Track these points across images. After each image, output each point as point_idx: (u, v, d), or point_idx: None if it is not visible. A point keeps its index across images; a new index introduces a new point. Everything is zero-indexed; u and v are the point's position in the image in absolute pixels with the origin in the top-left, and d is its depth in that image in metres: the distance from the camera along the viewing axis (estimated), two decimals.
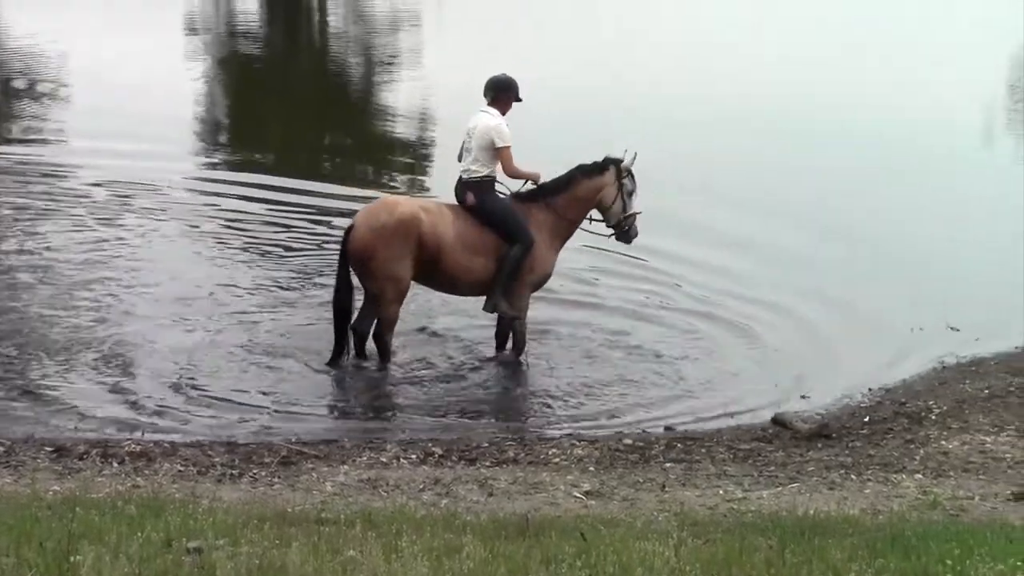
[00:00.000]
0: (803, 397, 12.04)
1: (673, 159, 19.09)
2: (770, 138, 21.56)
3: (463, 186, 12.53)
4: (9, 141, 22.33)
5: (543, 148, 15.01)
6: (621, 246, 13.62)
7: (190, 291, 14.32)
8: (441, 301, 13.67)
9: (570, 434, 10.95)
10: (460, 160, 12.58)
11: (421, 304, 13.68)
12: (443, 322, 13.59)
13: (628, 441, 10.71)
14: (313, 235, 16.53)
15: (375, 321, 12.48)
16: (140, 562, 5.88)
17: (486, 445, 10.57)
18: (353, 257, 12.19)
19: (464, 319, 13.54)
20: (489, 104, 12.55)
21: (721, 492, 9.39)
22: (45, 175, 19.42)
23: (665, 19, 34.26)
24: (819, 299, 14.50)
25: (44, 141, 22.26)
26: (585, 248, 14.55)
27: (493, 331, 12.96)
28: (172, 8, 36.38)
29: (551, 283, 13.23)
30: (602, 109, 22.82)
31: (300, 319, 13.64)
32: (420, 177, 20.25)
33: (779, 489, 9.49)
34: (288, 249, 16.04)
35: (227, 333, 13.19)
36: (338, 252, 12.43)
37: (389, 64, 30.05)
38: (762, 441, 10.79)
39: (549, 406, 11.92)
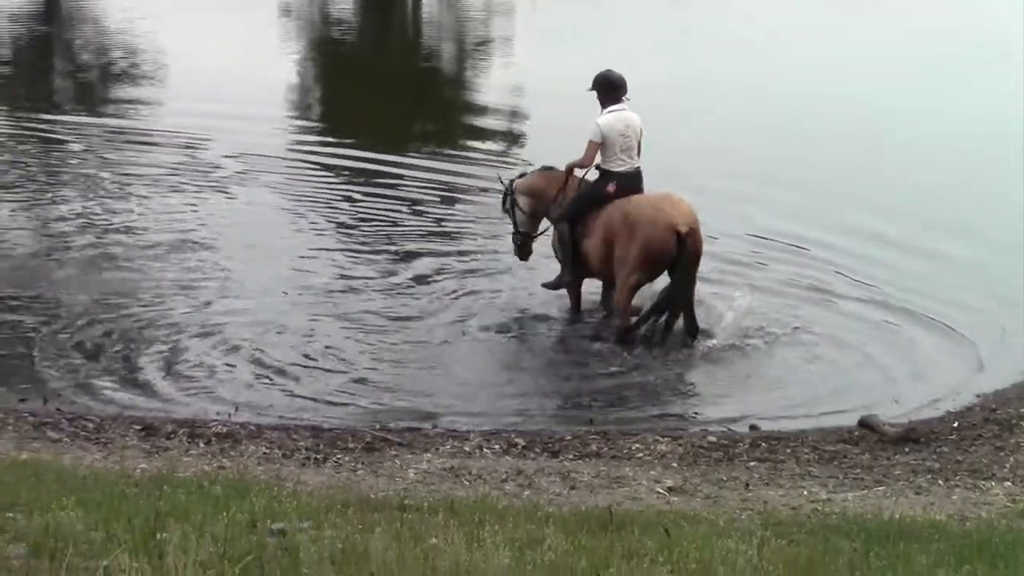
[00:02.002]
0: (894, 401, 11.89)
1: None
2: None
3: (638, 178, 13.08)
4: (113, 114, 22.78)
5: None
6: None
7: (291, 269, 14.48)
8: (529, 293, 13.75)
9: (654, 429, 10.91)
10: (620, 156, 12.97)
11: (511, 297, 13.74)
12: (538, 312, 13.65)
13: (712, 439, 10.65)
14: (421, 216, 16.63)
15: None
16: (225, 542, 5.92)
17: (569, 438, 10.56)
18: (698, 255, 12.67)
19: (555, 310, 13.59)
20: (621, 100, 13.01)
21: (805, 493, 9.31)
22: (149, 144, 20.19)
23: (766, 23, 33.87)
24: (919, 298, 14.29)
25: (145, 112, 22.69)
26: None
27: (587, 324, 13.21)
28: None
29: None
30: (701, 107, 22.72)
31: (401, 302, 13.74)
32: (511, 154, 20.20)
33: (864, 492, 9.39)
34: (387, 228, 16.13)
35: (325, 314, 13.37)
36: (661, 258, 12.59)
37: (481, 50, 30.08)
38: (848, 443, 10.67)
39: (632, 399, 11.90)
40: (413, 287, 14.10)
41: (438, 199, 17.65)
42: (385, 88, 26.25)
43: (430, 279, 14.29)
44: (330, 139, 20.93)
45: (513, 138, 21.72)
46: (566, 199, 13.37)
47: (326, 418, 10.98)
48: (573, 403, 11.85)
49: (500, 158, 19.85)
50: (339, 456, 9.88)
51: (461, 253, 15.13)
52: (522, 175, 14.28)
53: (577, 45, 28.28)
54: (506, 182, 14.14)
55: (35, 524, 6.25)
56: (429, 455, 9.96)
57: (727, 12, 35.00)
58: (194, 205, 16.90)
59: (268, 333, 12.75)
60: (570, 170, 13.38)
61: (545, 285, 13.68)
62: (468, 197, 17.94)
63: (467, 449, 10.18)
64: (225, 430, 10.31)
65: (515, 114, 23.31)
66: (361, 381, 11.87)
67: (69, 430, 10.22)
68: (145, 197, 17.21)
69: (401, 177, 18.44)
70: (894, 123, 21.78)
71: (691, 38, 30.47)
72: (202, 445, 9.98)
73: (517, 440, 10.43)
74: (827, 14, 34.07)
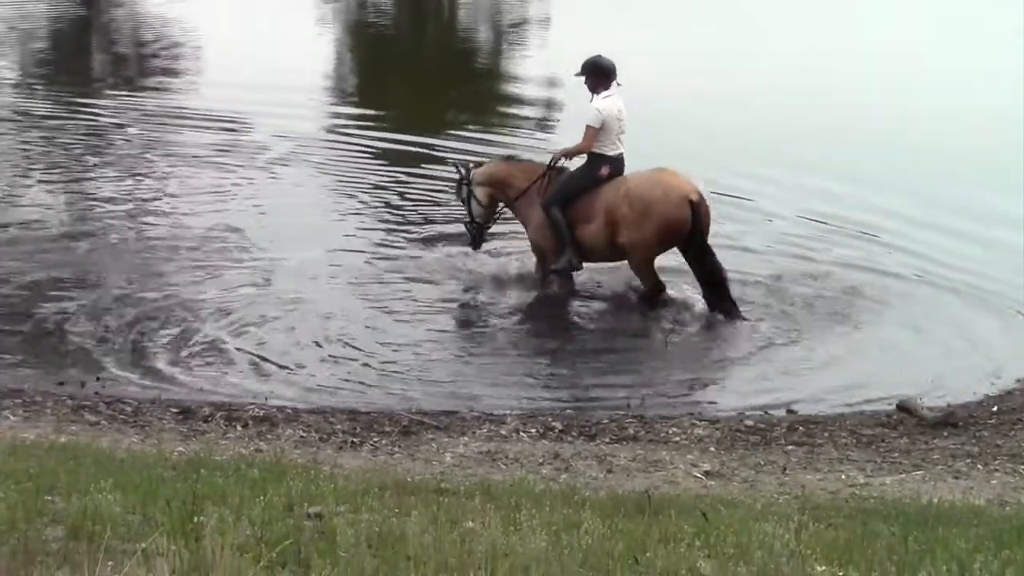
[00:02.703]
0: (933, 385, 11.79)
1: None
2: None
3: (623, 162, 13.28)
4: (153, 94, 23.03)
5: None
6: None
7: (328, 251, 14.51)
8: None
9: (691, 413, 10.88)
10: (615, 141, 13.17)
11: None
12: (576, 296, 13.66)
13: (749, 422, 10.61)
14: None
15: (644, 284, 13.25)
16: (262, 525, 5.94)
17: (606, 422, 10.54)
18: (709, 221, 12.93)
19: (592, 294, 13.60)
20: (611, 86, 13.14)
21: (843, 477, 9.27)
22: (189, 123, 20.34)
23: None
24: (964, 279, 14.22)
25: (185, 92, 22.93)
26: None
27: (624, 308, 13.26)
28: None
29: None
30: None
31: (438, 286, 13.76)
32: (549, 133, 20.15)
33: (902, 476, 9.34)
34: (428, 208, 16.18)
35: (362, 297, 13.45)
36: (681, 229, 12.78)
37: (515, 34, 30.02)
38: (886, 427, 10.62)
39: (668, 383, 11.88)
40: (450, 270, 14.09)
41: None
42: (422, 70, 26.27)
43: (466, 262, 14.25)
44: (368, 121, 20.89)
45: (551, 118, 21.65)
46: (552, 186, 13.38)
47: (363, 401, 10.99)
48: (609, 386, 11.80)
49: (538, 139, 19.79)
50: (376, 440, 9.89)
51: (497, 236, 15.08)
52: (478, 164, 14.33)
53: (615, 27, 28.22)
54: (462, 171, 14.13)
55: (73, 507, 6.28)
56: (466, 439, 9.96)
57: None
58: (237, 186, 16.96)
59: (305, 316, 12.78)
60: (559, 157, 13.55)
61: (552, 272, 13.53)
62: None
63: (504, 433, 10.17)
64: (262, 413, 10.34)
65: (551, 95, 23.22)
66: (398, 365, 11.88)
67: (107, 413, 10.26)
68: (187, 178, 17.29)
69: (440, 160, 18.44)
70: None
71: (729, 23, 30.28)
72: (239, 428, 10.01)
73: (554, 424, 10.41)
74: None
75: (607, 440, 10.09)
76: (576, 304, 13.42)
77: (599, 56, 13.40)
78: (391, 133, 20.01)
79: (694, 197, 12.72)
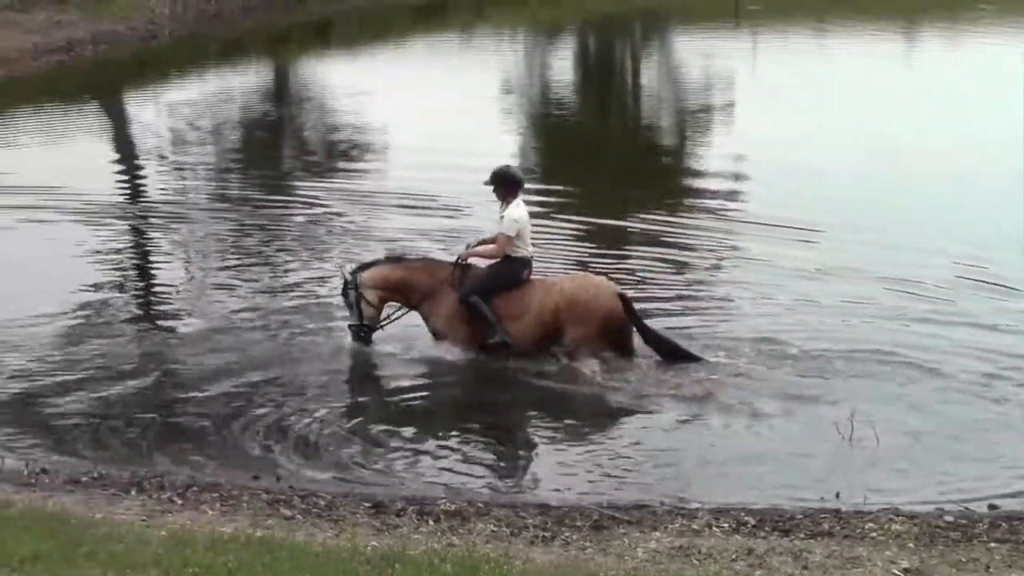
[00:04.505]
0: None
1: None
2: None
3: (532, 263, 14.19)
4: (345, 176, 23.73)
5: None
6: None
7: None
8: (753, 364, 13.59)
9: (887, 508, 10.60)
10: (527, 244, 14.02)
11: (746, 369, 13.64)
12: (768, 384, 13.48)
13: (949, 518, 10.29)
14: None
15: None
16: None
17: (800, 516, 10.33)
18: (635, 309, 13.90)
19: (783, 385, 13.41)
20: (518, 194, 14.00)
21: None
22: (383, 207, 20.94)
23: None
24: None
25: (378, 177, 23.73)
26: None
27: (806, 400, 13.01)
28: (486, 70, 37.15)
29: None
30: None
31: (625, 376, 13.69)
32: (727, 225, 20.06)
33: None
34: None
35: (555, 385, 13.51)
36: (619, 323, 13.74)
37: (699, 123, 29.99)
38: None
39: (860, 475, 11.59)
40: (641, 361, 14.01)
41: (672, 269, 17.47)
42: (609, 156, 26.39)
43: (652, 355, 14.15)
44: (558, 203, 20.96)
45: (733, 202, 21.51)
46: (467, 280, 13.99)
47: (553, 495, 10.98)
48: (801, 478, 11.56)
49: (724, 223, 19.72)
50: (567, 534, 9.84)
51: (696, 325, 15.01)
52: (363, 267, 14.48)
53: (798, 113, 28.12)
54: (347, 275, 14.31)
55: None
56: (658, 533, 9.85)
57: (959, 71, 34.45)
58: None
59: (497, 410, 12.86)
60: (467, 257, 14.19)
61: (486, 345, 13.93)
62: (703, 261, 17.94)
63: (695, 527, 10.05)
64: (454, 507, 10.37)
65: (737, 179, 23.11)
66: (588, 456, 11.86)
67: (301, 507, 10.40)
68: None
69: (639, 240, 18.48)
70: None
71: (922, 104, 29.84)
72: (431, 523, 10.05)
73: (747, 518, 10.25)
74: None
75: (802, 535, 9.89)
76: (762, 402, 13.15)
77: (508, 167, 14.35)
78: (582, 216, 20.02)
79: (619, 291, 13.89)
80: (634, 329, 13.85)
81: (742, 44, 39.84)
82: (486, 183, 13.98)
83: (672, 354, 13.80)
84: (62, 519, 9.33)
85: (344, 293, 14.41)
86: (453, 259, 14.30)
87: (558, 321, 13.72)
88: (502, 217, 13.91)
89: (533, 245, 14.29)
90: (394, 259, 14.72)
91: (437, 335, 14.15)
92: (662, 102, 33.75)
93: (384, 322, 14.44)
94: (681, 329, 14.60)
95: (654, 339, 13.85)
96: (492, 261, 14.05)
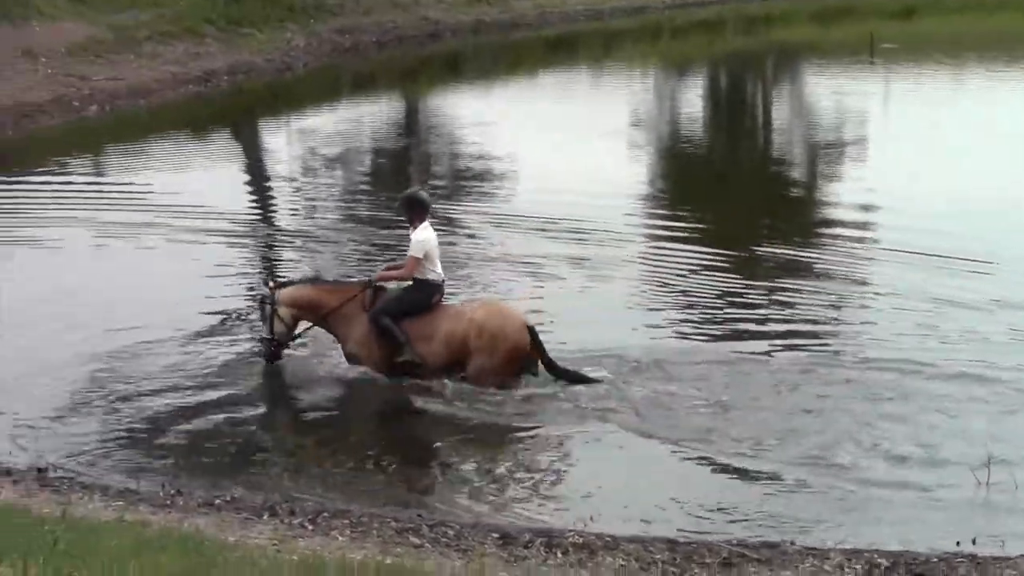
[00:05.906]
0: None
1: None
2: None
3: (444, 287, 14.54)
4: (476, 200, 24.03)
5: None
6: None
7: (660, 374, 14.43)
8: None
9: None
10: (437, 267, 14.33)
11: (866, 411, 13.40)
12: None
13: None
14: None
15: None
16: None
17: (935, 560, 10.14)
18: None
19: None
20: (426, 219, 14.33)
21: None
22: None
23: None
24: None
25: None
26: None
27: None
28: (614, 105, 37.14)
29: None
30: None
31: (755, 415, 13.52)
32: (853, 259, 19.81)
33: None
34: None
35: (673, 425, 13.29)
36: (525, 353, 14.02)
37: (830, 159, 29.68)
38: None
39: (997, 515, 11.35)
40: (772, 394, 13.86)
41: (786, 301, 17.32)
42: (736, 189, 26.25)
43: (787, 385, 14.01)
44: (686, 236, 20.92)
45: (862, 237, 21.23)
46: (379, 301, 14.29)
47: (681, 532, 10.89)
48: (933, 523, 11.32)
49: (853, 259, 19.50)
50: (696, 571, 9.79)
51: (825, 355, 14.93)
52: (284, 284, 14.83)
53: (930, 153, 27.76)
54: (268, 289, 14.75)
55: None
56: (788, 573, 9.74)
57: None
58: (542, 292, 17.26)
59: (613, 444, 12.80)
60: (377, 281, 14.43)
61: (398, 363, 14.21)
62: (825, 288, 17.78)
63: (827, 568, 9.92)
64: (581, 540, 10.35)
65: (866, 214, 22.80)
66: (717, 490, 11.76)
67: (430, 536, 10.46)
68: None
69: (766, 272, 18.40)
70: None
71: None
72: (559, 555, 10.05)
73: (880, 560, 10.08)
74: None
75: None
76: (876, 433, 12.92)
77: (417, 191, 14.79)
78: (711, 247, 19.94)
79: (527, 322, 14.07)
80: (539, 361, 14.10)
81: (879, 83, 39.30)
82: (397, 206, 14.59)
83: (577, 382, 14.02)
84: (196, 541, 9.45)
85: (260, 306, 14.80)
86: (364, 281, 14.69)
87: (466, 348, 14.01)
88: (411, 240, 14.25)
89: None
90: (309, 279, 15.15)
91: (351, 359, 14.52)
92: (793, 135, 33.54)
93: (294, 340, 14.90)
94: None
95: (561, 372, 14.08)
96: (404, 284, 14.40)
